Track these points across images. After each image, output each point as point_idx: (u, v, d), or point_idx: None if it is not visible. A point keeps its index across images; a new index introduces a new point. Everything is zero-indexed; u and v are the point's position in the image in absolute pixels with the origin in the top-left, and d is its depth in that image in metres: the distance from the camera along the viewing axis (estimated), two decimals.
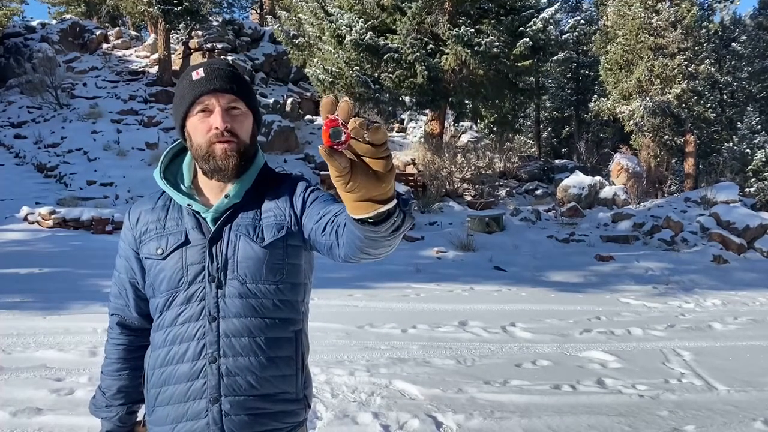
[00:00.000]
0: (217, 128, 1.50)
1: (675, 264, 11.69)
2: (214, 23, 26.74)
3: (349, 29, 16.53)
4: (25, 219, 12.49)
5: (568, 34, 19.35)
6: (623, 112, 23.20)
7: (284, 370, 1.57)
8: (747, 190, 25.34)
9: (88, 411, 3.72)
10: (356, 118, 1.02)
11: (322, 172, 18.82)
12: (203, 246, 1.55)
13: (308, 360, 1.68)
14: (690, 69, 22.57)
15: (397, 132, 26.47)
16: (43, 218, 12.29)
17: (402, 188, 14.25)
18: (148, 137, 19.82)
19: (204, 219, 1.57)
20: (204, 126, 1.52)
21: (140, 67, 26.05)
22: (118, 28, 30.92)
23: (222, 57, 24.98)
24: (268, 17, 31.79)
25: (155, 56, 25.75)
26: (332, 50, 17.15)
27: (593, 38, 26.55)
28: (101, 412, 1.72)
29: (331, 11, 17.28)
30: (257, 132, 1.62)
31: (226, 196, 1.56)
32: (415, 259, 11.30)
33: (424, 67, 16.19)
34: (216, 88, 1.51)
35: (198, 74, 1.54)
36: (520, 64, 16.89)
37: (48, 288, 7.71)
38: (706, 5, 28.97)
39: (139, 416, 1.73)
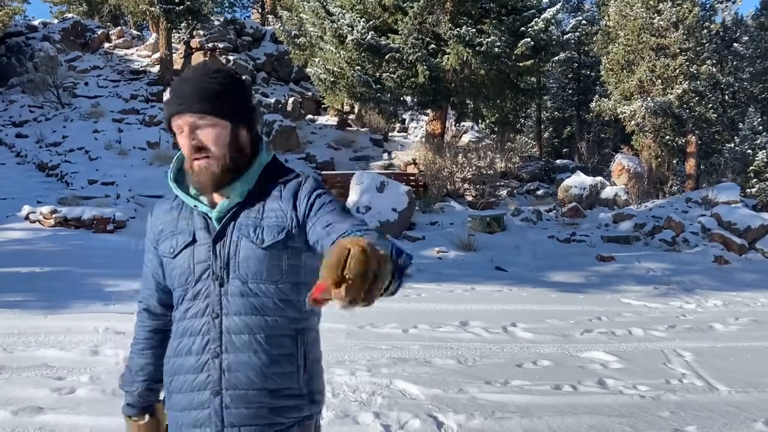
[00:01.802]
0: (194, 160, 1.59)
1: (676, 264, 11.68)
2: (216, 23, 26.73)
3: (350, 29, 16.51)
4: (27, 218, 12.48)
5: (569, 35, 19.31)
6: (624, 113, 23.19)
7: (285, 366, 1.60)
8: (748, 190, 25.31)
9: (89, 410, 3.71)
10: (346, 295, 1.04)
11: (323, 172, 18.82)
12: (209, 245, 1.60)
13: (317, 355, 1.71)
14: (691, 69, 22.55)
15: (398, 132, 26.47)
16: (44, 217, 12.29)
17: (403, 188, 14.24)
18: (150, 136, 19.81)
19: (211, 219, 1.61)
20: (183, 144, 1.60)
21: (142, 67, 26.05)
22: (119, 27, 30.94)
23: (223, 57, 25.01)
24: (270, 17, 31.78)
25: (157, 55, 25.75)
26: (334, 50, 17.13)
27: (595, 38, 26.54)
28: (126, 386, 1.82)
29: (332, 11, 17.27)
30: (253, 131, 1.65)
31: (226, 198, 1.60)
32: (416, 258, 11.27)
33: (425, 66, 16.18)
34: (180, 110, 1.56)
35: (167, 95, 1.60)
36: (521, 64, 16.87)
37: (49, 287, 7.71)
38: (708, 6, 28.99)
39: (162, 395, 1.79)
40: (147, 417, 1.79)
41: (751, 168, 27.62)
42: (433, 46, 16.86)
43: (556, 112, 36.53)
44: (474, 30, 15.90)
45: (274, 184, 1.63)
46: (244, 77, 1.70)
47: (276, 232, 1.57)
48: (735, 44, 33.06)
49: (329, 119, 25.35)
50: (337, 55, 17.04)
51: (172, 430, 1.69)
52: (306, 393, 1.63)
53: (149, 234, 1.74)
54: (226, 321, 1.58)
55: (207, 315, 1.60)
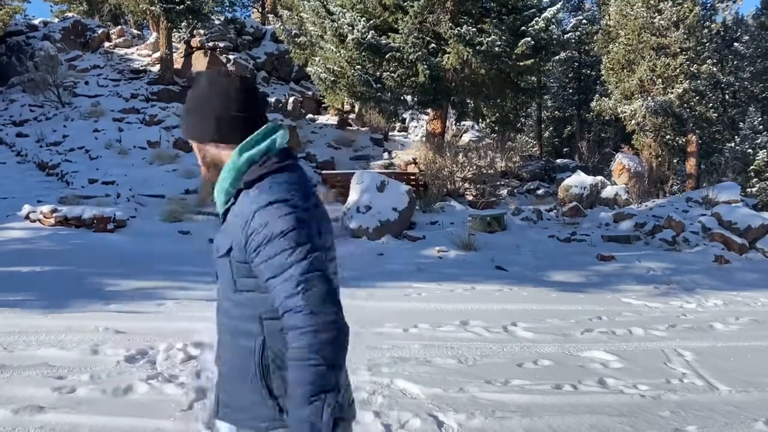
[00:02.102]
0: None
1: (676, 264, 11.67)
2: (216, 22, 26.71)
3: (350, 28, 16.51)
4: (27, 217, 12.48)
5: (570, 34, 19.30)
6: (625, 112, 23.17)
7: (246, 371, 1.63)
8: (749, 190, 25.32)
9: (89, 409, 3.72)
10: None
11: (324, 171, 18.82)
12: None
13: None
14: (692, 69, 22.53)
15: (398, 131, 26.47)
16: (44, 216, 12.28)
17: (403, 188, 14.21)
18: (150, 136, 19.81)
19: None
20: None
21: (142, 66, 26.03)
22: (120, 26, 30.91)
23: (223, 56, 25.00)
24: (270, 16, 31.76)
25: (157, 55, 25.73)
26: (334, 49, 17.13)
27: (595, 38, 26.51)
28: None
29: (332, 10, 17.26)
30: (232, 140, 1.65)
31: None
32: (416, 258, 11.30)
33: (425, 66, 16.17)
34: None
35: None
36: (521, 64, 16.86)
37: (49, 286, 7.71)
38: (709, 5, 28.94)
39: None
40: None
41: (751, 167, 27.63)
42: (433, 45, 16.86)
43: (556, 112, 36.52)
44: (474, 29, 15.90)
45: (249, 189, 1.61)
46: (234, 81, 1.71)
47: (224, 246, 1.62)
48: (735, 44, 33.05)
49: (329, 118, 25.35)
50: (338, 54, 17.04)
51: None
52: (271, 400, 1.61)
53: None
54: (220, 316, 1.74)
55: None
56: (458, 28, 15.86)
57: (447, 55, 16.28)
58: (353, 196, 13.80)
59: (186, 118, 1.69)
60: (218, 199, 1.67)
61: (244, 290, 1.61)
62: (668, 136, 23.65)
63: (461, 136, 23.87)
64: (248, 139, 1.64)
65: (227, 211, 1.66)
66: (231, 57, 25.35)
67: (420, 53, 16.14)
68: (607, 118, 26.10)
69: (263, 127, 1.66)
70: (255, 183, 1.60)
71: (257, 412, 1.62)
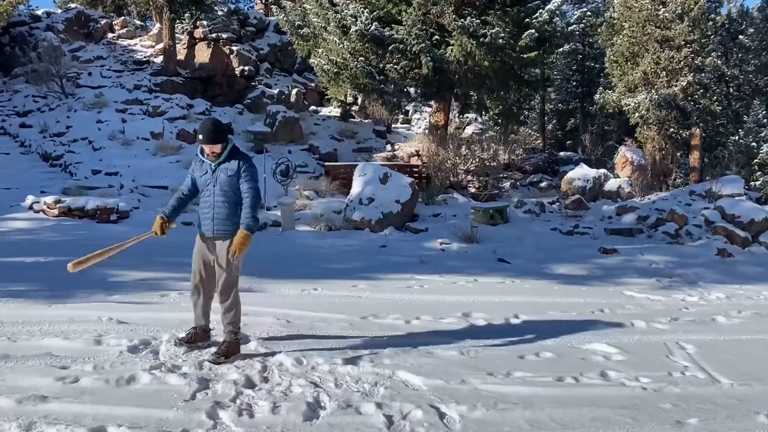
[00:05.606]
0: (208, 154, 4.77)
1: (679, 257, 11.66)
2: (219, 13, 26.63)
3: (354, 20, 16.46)
4: (31, 208, 12.52)
5: (574, 26, 19.29)
6: (629, 105, 23.10)
7: (231, 214, 4.84)
8: (752, 183, 25.28)
9: (92, 399, 3.74)
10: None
11: (326, 163, 18.83)
12: (210, 174, 4.80)
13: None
14: (696, 61, 22.44)
15: (401, 123, 26.43)
16: (48, 207, 12.31)
17: (406, 180, 14.21)
18: (153, 127, 19.81)
19: (212, 166, 4.77)
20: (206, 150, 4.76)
21: (145, 57, 25.98)
22: (123, 17, 30.84)
23: (226, 47, 24.94)
24: (273, 7, 31.62)
25: (160, 46, 25.69)
26: (337, 41, 17.08)
27: (599, 30, 26.40)
28: (164, 207, 5.52)
29: (336, 1, 17.20)
30: (225, 141, 4.73)
31: (217, 160, 4.76)
32: (418, 250, 11.30)
33: (429, 58, 16.13)
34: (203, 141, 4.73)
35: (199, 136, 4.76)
36: (525, 56, 16.80)
37: (53, 276, 7.72)
38: None
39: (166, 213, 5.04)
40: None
41: (755, 161, 27.58)
42: (437, 37, 16.80)
43: (559, 104, 36.43)
44: (478, 21, 15.84)
45: (233, 157, 4.76)
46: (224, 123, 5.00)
47: (233, 173, 4.70)
48: (740, 36, 32.92)
49: (332, 110, 25.31)
50: (341, 45, 16.99)
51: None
52: (236, 218, 4.74)
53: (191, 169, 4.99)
54: (215, 199, 4.73)
55: (209, 197, 4.78)
56: (462, 20, 15.80)
57: (450, 47, 16.23)
58: (356, 187, 13.80)
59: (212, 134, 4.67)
60: (221, 159, 4.73)
61: (235, 188, 4.70)
62: (672, 129, 23.56)
63: (464, 129, 23.84)
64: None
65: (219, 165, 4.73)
66: (234, 48, 25.30)
67: (423, 45, 16.09)
68: (610, 110, 25.99)
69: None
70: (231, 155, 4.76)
71: (233, 227, 4.69)
